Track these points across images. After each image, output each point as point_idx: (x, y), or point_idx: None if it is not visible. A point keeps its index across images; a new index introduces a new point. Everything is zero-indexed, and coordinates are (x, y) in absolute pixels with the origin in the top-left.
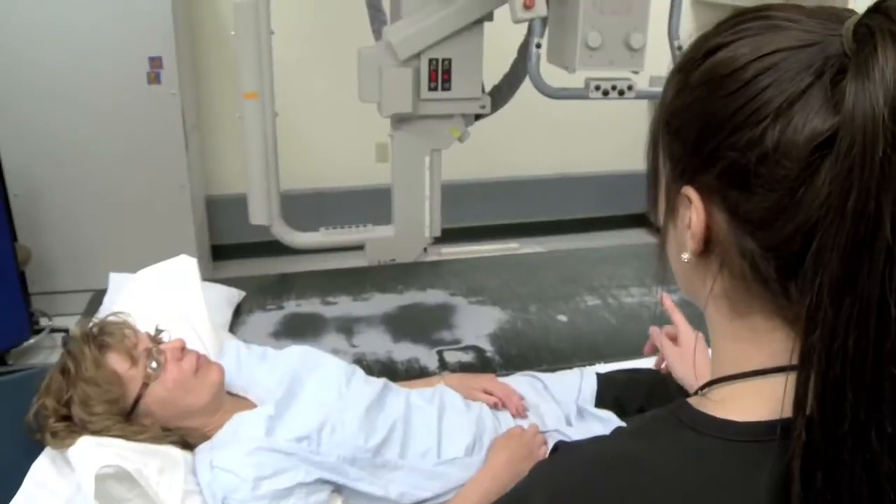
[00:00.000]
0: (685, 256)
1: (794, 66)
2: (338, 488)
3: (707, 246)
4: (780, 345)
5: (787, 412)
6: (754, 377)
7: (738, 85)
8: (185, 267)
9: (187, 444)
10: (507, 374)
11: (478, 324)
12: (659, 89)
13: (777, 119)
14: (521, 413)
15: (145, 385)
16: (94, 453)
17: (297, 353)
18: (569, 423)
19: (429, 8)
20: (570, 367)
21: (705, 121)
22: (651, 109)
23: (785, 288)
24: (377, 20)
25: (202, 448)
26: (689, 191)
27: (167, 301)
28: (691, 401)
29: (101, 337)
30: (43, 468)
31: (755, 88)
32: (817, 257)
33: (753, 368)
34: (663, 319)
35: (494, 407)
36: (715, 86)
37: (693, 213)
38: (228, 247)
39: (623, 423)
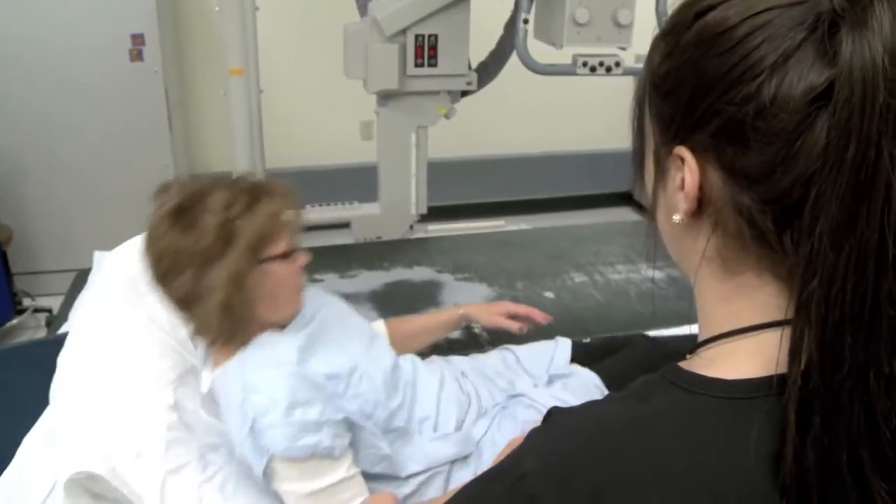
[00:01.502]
0: (677, 218)
1: (786, 23)
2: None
3: (699, 206)
4: (771, 300)
5: (781, 367)
6: (743, 334)
7: (731, 43)
8: None
9: (219, 349)
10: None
11: (465, 300)
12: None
13: (773, 74)
14: (546, 320)
15: (271, 259)
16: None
17: (324, 298)
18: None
19: None
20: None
21: (699, 79)
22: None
23: (780, 241)
24: None
25: (231, 366)
26: (682, 150)
27: (145, 280)
28: (681, 364)
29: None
30: (33, 443)
31: (749, 45)
32: (816, 205)
33: (742, 326)
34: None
35: (520, 332)
36: (708, 45)
37: (686, 172)
38: None
39: (594, 375)
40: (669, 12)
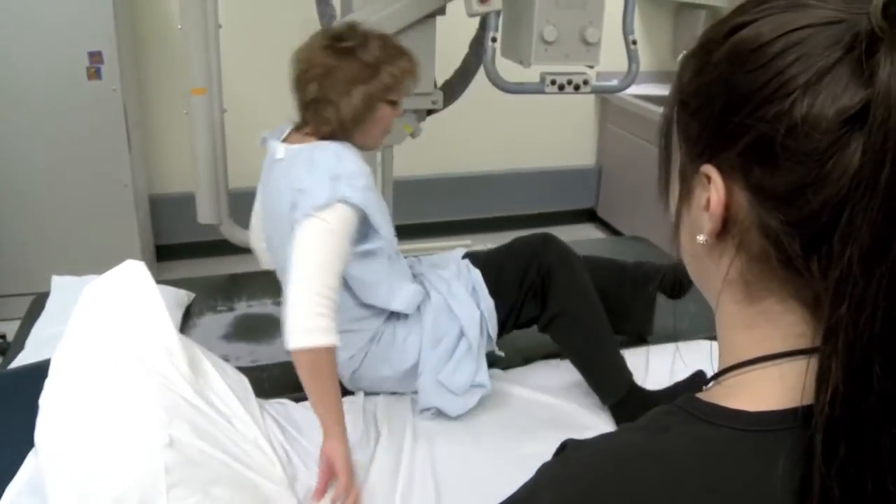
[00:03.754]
0: (701, 238)
1: (822, 42)
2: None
3: (724, 227)
4: (794, 328)
5: (807, 398)
6: (765, 363)
7: (765, 59)
8: (136, 273)
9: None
10: None
11: None
12: (611, 83)
13: (806, 92)
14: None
15: (388, 102)
16: None
17: None
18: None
19: (380, 1)
20: (531, 363)
21: (729, 96)
22: (599, 105)
23: (807, 266)
24: (326, 14)
25: (324, 143)
26: (710, 169)
27: (126, 314)
28: (699, 394)
29: None
30: (18, 497)
31: (783, 63)
32: (847, 229)
33: (764, 354)
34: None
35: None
36: (740, 61)
37: (712, 191)
38: (173, 247)
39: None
40: (636, 31)
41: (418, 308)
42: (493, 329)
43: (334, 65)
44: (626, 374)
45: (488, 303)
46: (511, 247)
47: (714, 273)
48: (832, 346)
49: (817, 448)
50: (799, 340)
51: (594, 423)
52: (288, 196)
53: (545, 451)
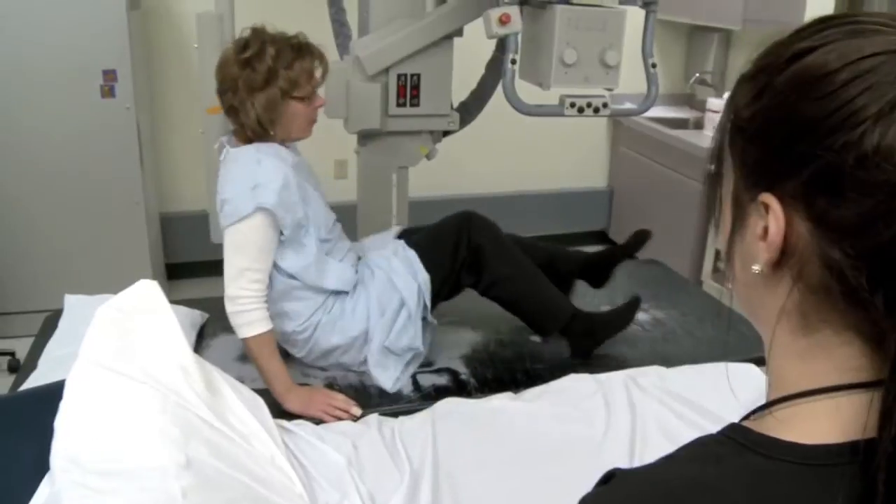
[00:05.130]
0: (756, 268)
1: (893, 71)
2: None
3: (781, 257)
4: (851, 361)
5: (868, 432)
6: (820, 395)
7: (832, 87)
8: (149, 292)
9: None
10: (482, 396)
11: (450, 345)
12: (626, 106)
13: (877, 123)
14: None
15: (295, 98)
16: None
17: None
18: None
19: (398, 22)
20: (545, 383)
21: (793, 123)
22: (612, 127)
23: (871, 299)
24: (342, 34)
25: (247, 147)
26: (769, 198)
27: (140, 334)
28: (749, 424)
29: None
30: None
31: (853, 91)
32: None
33: (819, 386)
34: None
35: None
36: (805, 89)
37: (771, 221)
38: (184, 265)
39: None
40: (655, 53)
41: (363, 283)
42: (428, 299)
43: (237, 75)
44: (566, 305)
45: (424, 276)
46: (439, 229)
47: (769, 303)
48: None
49: (879, 487)
50: (856, 374)
51: (611, 445)
52: (218, 197)
53: (562, 473)
